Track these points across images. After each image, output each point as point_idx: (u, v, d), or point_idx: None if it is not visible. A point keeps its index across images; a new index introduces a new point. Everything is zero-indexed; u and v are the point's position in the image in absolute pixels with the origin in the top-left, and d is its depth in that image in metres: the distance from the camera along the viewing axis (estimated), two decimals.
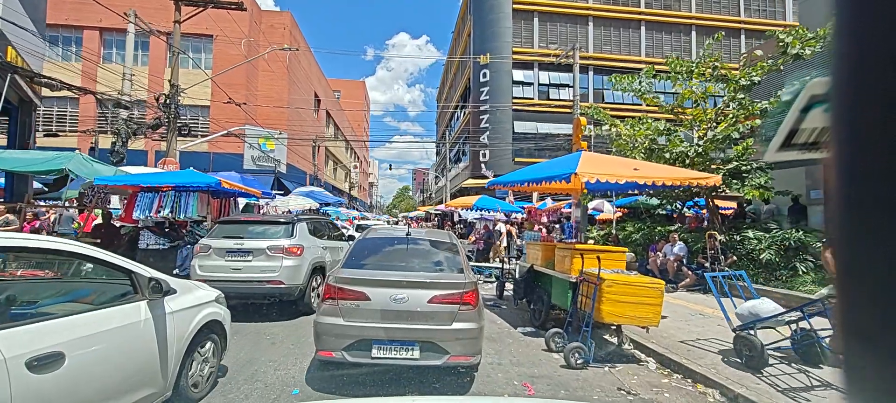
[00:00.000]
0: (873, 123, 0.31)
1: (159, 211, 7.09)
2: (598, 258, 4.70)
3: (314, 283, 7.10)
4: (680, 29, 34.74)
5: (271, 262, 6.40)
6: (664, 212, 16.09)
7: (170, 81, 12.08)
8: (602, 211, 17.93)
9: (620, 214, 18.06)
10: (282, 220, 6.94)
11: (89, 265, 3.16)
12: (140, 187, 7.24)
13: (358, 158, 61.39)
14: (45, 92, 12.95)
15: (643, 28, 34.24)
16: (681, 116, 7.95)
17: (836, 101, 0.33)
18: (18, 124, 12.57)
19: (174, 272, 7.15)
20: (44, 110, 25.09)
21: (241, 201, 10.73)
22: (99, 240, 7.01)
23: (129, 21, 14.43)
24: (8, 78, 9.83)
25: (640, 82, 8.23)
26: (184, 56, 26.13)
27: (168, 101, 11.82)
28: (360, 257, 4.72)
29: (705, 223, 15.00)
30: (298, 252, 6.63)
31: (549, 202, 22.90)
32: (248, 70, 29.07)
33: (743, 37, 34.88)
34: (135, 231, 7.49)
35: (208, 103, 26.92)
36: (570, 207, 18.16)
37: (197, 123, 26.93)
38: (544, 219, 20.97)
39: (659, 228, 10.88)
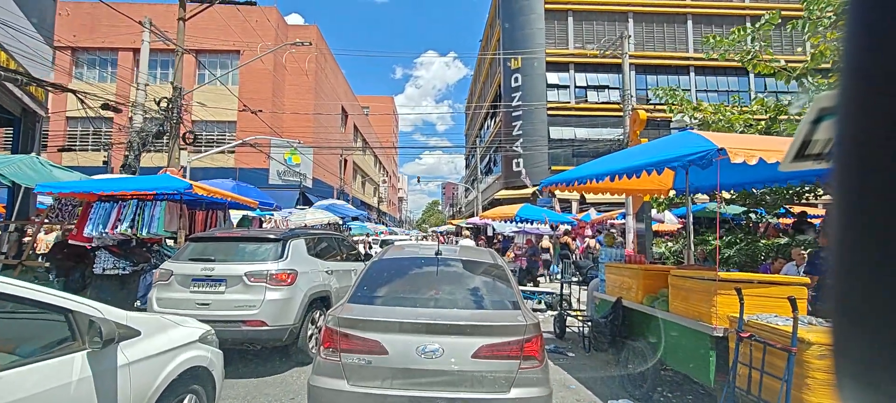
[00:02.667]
0: (878, 136, 0.31)
1: (117, 226, 5.55)
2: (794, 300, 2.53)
3: (316, 317, 5.28)
4: (733, 21, 31.54)
5: (250, 294, 4.62)
6: (735, 221, 13.39)
7: (173, 84, 10.90)
8: (661, 222, 15.42)
9: (680, 226, 15.47)
10: (270, 237, 5.17)
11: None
12: (94, 196, 5.78)
13: (387, 173, 60.63)
14: (72, 110, 12.20)
15: (690, 22, 31.37)
16: (813, 83, 5.70)
17: (841, 114, 0.33)
18: (22, 136, 11.77)
19: (136, 304, 5.54)
20: (69, 130, 25.32)
21: (237, 214, 9.20)
22: (47, 265, 5.53)
23: (144, 28, 13.58)
24: None
25: (753, 37, 6.00)
26: (210, 72, 25.86)
27: (170, 106, 10.60)
28: (373, 287, 3.40)
29: (787, 234, 12.25)
30: (288, 279, 4.82)
31: (592, 213, 20.43)
32: (274, 84, 28.60)
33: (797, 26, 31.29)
34: (86, 251, 5.96)
35: (235, 119, 26.54)
36: (622, 218, 15.73)
37: (224, 139, 26.53)
38: (588, 233, 18.54)
39: (763, 241, 8.37)
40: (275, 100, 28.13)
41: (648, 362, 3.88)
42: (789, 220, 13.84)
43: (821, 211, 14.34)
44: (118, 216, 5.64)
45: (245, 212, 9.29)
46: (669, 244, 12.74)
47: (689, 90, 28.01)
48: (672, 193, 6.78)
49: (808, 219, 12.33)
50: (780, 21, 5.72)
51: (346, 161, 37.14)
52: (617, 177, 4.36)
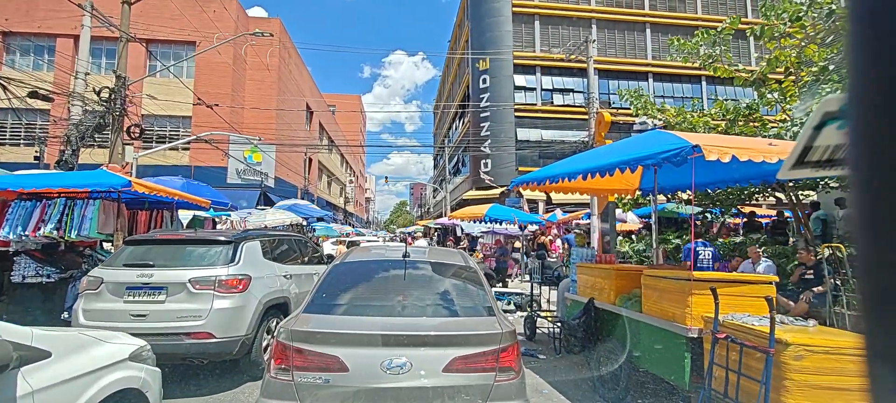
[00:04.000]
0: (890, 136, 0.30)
1: (40, 228, 4.88)
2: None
3: (272, 326, 4.86)
4: (687, 31, 33.22)
5: (195, 303, 4.15)
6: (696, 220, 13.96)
7: (115, 72, 9.97)
8: (624, 221, 15.86)
9: (641, 225, 16.00)
10: (219, 239, 4.71)
11: None
12: (12, 193, 5.05)
13: (354, 173, 59.36)
14: (2, 102, 10.85)
15: (649, 30, 32.77)
16: (766, 89, 5.92)
17: (854, 117, 0.32)
18: None
19: (64, 316, 4.89)
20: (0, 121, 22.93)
21: (187, 215, 8.45)
22: None
23: (85, 12, 12.41)
24: None
25: (715, 40, 6.14)
26: (162, 63, 24.18)
27: (112, 97, 9.68)
28: (332, 294, 3.08)
29: (740, 233, 12.90)
30: (239, 286, 4.39)
31: (558, 214, 20.81)
32: (234, 79, 27.22)
33: (751, 39, 33.47)
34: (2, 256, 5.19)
35: (190, 114, 25.04)
36: (587, 218, 16.05)
37: (177, 134, 24.90)
38: (554, 232, 18.83)
39: (720, 240, 8.68)
40: (234, 96, 26.76)
41: (622, 364, 3.80)
42: (739, 220, 14.62)
43: (768, 212, 15.23)
44: (42, 216, 4.95)
45: (196, 213, 8.56)
46: (632, 243, 13.08)
47: (648, 95, 29.32)
48: (638, 193, 6.85)
49: (757, 219, 13.06)
50: (739, 25, 5.88)
51: (310, 160, 35.97)
52: (589, 175, 4.27)
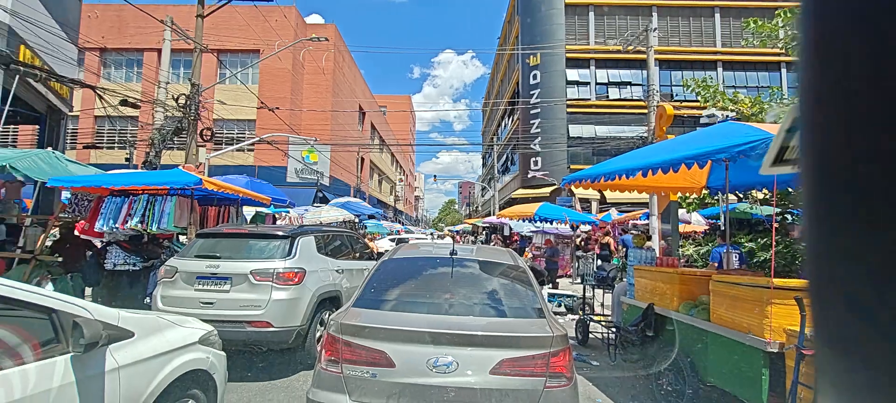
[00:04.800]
0: (836, 143, 0.32)
1: (127, 221, 5.46)
2: None
3: (325, 318, 5.05)
4: (763, 14, 30.14)
5: (255, 294, 4.42)
6: (769, 223, 12.54)
7: (191, 80, 10.93)
8: (687, 223, 14.70)
9: (707, 227, 14.71)
10: (278, 233, 4.97)
11: None
12: (105, 190, 5.71)
13: (403, 171, 60.71)
14: (99, 109, 12.47)
15: (718, 15, 30.11)
16: None
17: (803, 121, 0.35)
18: (47, 133, 12.06)
19: (146, 301, 5.43)
20: (97, 128, 26.03)
21: (250, 211, 9.08)
22: (61, 259, 5.48)
23: (166, 27, 13.75)
24: (17, 77, 8.98)
25: None
26: (230, 71, 26.21)
27: (188, 103, 10.62)
28: (381, 290, 3.12)
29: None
30: (296, 279, 4.60)
31: (613, 213, 19.75)
32: (293, 83, 28.85)
33: None
34: (91, 244, 5.89)
35: (254, 117, 26.92)
36: (645, 218, 15.09)
37: (243, 136, 26.89)
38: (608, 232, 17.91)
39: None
40: (293, 99, 28.39)
41: (685, 377, 3.48)
42: None
43: None
44: (129, 211, 5.55)
45: (259, 209, 9.18)
46: (698, 246, 12.09)
47: (718, 84, 27.01)
48: (705, 192, 6.28)
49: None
50: None
51: (362, 159, 37.27)
52: (650, 171, 3.95)
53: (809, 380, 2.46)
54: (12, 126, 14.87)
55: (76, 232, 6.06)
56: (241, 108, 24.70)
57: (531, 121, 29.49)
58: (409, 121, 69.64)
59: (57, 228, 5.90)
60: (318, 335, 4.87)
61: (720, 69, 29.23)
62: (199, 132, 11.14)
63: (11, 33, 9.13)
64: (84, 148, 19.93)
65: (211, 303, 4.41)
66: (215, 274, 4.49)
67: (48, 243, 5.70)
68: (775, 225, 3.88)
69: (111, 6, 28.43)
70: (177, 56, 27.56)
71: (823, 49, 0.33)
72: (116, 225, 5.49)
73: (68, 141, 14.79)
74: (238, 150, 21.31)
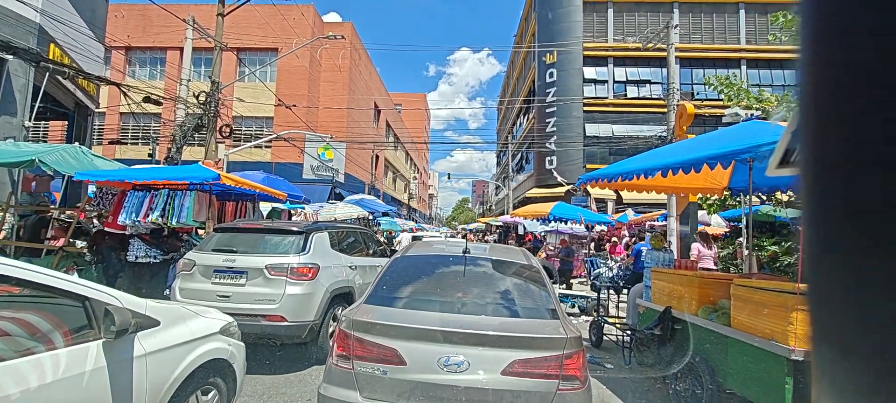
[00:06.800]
0: (834, 147, 0.32)
1: (148, 215, 5.61)
2: None
3: (338, 314, 5.09)
4: (791, 8, 29.09)
5: (270, 288, 4.48)
6: (794, 226, 12.11)
7: (211, 78, 11.15)
8: (707, 225, 14.31)
9: (727, 230, 14.29)
10: (293, 229, 5.03)
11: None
12: (128, 184, 5.88)
13: (418, 169, 60.86)
14: (123, 106, 12.90)
15: (743, 12, 29.21)
16: None
17: (802, 121, 0.34)
18: (75, 128, 12.49)
19: (166, 292, 5.58)
20: (122, 124, 26.83)
21: (267, 207, 9.22)
22: (86, 251, 5.67)
23: (187, 26, 14.08)
24: (46, 75, 9.33)
25: None
26: (249, 69, 26.70)
27: (208, 100, 10.85)
28: (393, 287, 3.12)
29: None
30: (310, 274, 4.65)
31: (630, 214, 19.37)
32: (310, 81, 29.19)
33: None
34: (124, 238, 6.08)
35: (272, 114, 27.34)
36: (663, 219, 14.77)
37: (261, 133, 27.36)
38: (625, 233, 17.59)
39: None
40: (310, 97, 28.71)
41: (704, 383, 3.38)
42: None
43: None
44: (150, 205, 5.71)
45: (275, 205, 9.32)
46: (718, 249, 11.76)
47: (742, 82, 26.31)
48: (726, 193, 6.10)
49: None
50: None
51: (377, 157, 37.52)
52: (670, 171, 3.85)
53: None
54: (43, 122, 15.48)
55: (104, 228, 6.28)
56: (259, 106, 25.11)
57: (547, 120, 29.17)
58: (423, 119, 69.74)
59: (95, 219, 6.11)
60: (330, 330, 4.91)
61: (744, 67, 28.37)
62: (218, 129, 11.37)
63: (41, 32, 9.50)
64: (109, 143, 20.59)
65: (227, 297, 4.49)
66: (231, 267, 4.57)
67: (80, 241, 5.91)
68: (802, 228, 3.72)
69: (136, 6, 29.21)
70: (198, 54, 28.24)
71: (822, 48, 0.32)
72: (138, 219, 5.66)
73: (94, 136, 15.30)
74: (256, 147, 21.72)
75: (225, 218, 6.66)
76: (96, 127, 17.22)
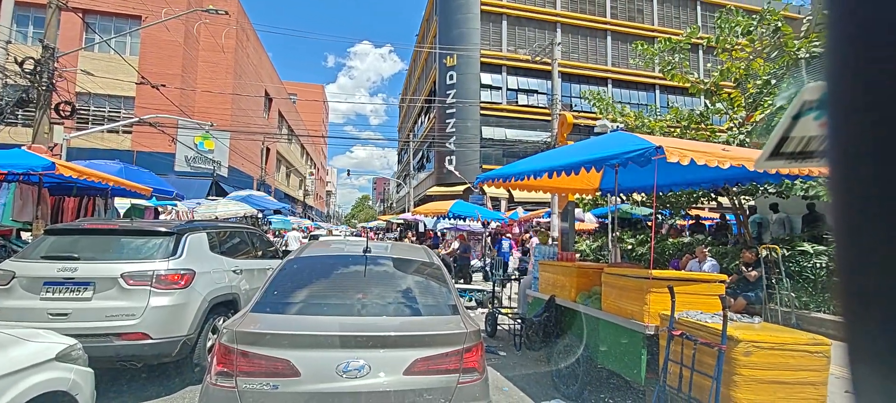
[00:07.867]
0: (870, 127, 0.30)
1: None
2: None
3: (219, 325, 4.50)
4: (644, 41, 34.81)
5: (127, 301, 3.75)
6: (645, 221, 14.68)
7: (42, 42, 8.92)
8: (581, 221, 16.37)
9: (597, 226, 16.63)
10: (160, 229, 4.29)
11: None
12: None
13: (314, 165, 57.50)
14: None
15: (609, 38, 34.07)
16: (716, 98, 6.28)
17: (832, 104, 0.32)
18: None
19: None
20: None
21: (123, 204, 7.72)
22: None
23: None
24: None
25: (675, 48, 6.44)
26: (100, 37, 22.05)
27: (38, 69, 8.67)
28: (285, 292, 2.87)
29: (688, 234, 13.74)
30: (182, 281, 4.02)
31: (520, 212, 21.16)
32: (185, 60, 25.43)
33: (701, 53, 35.54)
34: None
35: (133, 94, 23.09)
36: (548, 216, 16.44)
37: (118, 115, 22.89)
38: (515, 230, 19.15)
39: (670, 240, 9.12)
40: (185, 78, 25.00)
41: (580, 360, 3.84)
42: (685, 222, 15.56)
43: (711, 215, 16.29)
44: None
45: (136, 202, 7.80)
46: (588, 242, 13.52)
47: (610, 98, 30.69)
48: (598, 193, 7.02)
49: (701, 221, 13.94)
50: (696, 37, 6.17)
51: (268, 150, 34.42)
52: (555, 173, 4.28)
53: (676, 357, 2.88)
54: None
55: None
56: (115, 82, 20.92)
57: (447, 121, 30.15)
58: (321, 111, 66.14)
59: None
60: (209, 344, 4.33)
61: (610, 85, 33.08)
62: (54, 106, 9.16)
63: None
64: None
65: (65, 315, 3.64)
66: (71, 278, 3.71)
67: None
68: (653, 223, 4.46)
69: None
70: (24, 10, 22.39)
71: (850, 48, 0.30)
72: None
73: None
74: (111, 132, 18.13)
75: (63, 218, 5.37)
76: None
